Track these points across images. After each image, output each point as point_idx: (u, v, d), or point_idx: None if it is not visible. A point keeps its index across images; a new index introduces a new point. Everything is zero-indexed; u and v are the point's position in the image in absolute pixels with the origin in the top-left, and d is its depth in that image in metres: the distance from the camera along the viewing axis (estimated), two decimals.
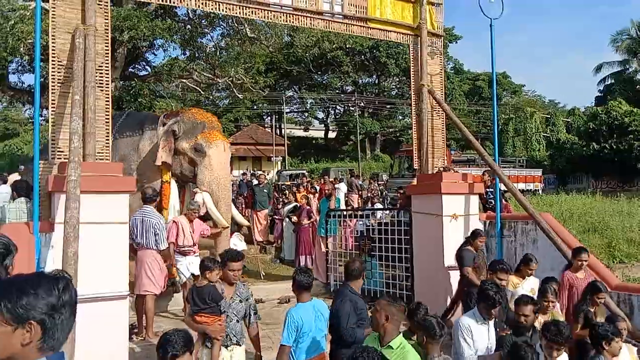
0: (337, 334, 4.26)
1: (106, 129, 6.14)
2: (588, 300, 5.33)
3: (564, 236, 7.18)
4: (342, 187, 15.90)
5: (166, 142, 8.19)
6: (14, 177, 11.34)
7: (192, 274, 7.48)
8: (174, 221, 7.62)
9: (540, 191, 26.50)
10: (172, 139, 8.23)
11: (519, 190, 8.87)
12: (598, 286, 5.39)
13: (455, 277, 7.84)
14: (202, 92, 22.16)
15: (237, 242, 9.48)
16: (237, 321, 4.56)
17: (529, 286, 5.99)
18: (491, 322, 4.38)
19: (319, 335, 4.28)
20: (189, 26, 19.80)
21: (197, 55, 21.09)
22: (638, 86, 40.10)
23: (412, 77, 8.84)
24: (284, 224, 12.58)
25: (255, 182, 14.37)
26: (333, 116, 51.02)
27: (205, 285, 4.50)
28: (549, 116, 45.50)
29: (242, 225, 9.56)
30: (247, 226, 10.00)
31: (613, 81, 41.14)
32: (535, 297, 5.79)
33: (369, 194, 16.82)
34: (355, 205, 15.13)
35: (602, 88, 42.38)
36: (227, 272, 4.52)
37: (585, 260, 6.05)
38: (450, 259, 7.74)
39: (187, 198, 8.80)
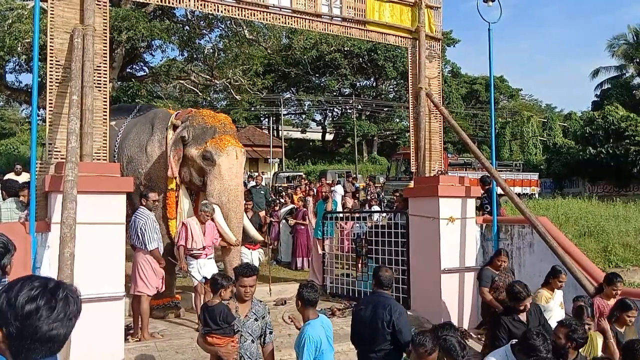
0: (396, 344, 4.14)
1: (104, 130, 6.13)
2: (616, 315, 5.01)
3: (560, 240, 7.20)
4: (339, 190, 15.90)
5: (175, 151, 7.51)
6: (11, 176, 11.32)
7: (205, 277, 7.13)
8: (182, 223, 7.30)
9: (536, 195, 26.59)
10: (181, 146, 7.57)
11: (516, 194, 8.89)
12: (628, 304, 5.02)
13: (452, 280, 7.87)
14: (199, 94, 22.14)
15: (255, 262, 8.70)
16: (252, 341, 4.25)
17: (559, 300, 5.88)
18: None
19: (331, 352, 4.22)
20: (187, 27, 19.80)
21: (195, 56, 21.08)
22: (634, 91, 40.30)
23: (410, 80, 8.86)
24: (281, 225, 12.58)
25: (252, 183, 14.35)
26: (330, 118, 51.07)
27: (217, 304, 4.25)
28: (545, 120, 45.72)
29: (256, 240, 8.71)
30: (261, 242, 9.12)
31: (610, 86, 41.30)
32: (564, 310, 5.69)
33: (367, 196, 16.82)
34: (349, 207, 15.10)
35: (598, 93, 42.54)
36: (239, 288, 4.25)
37: (620, 290, 5.68)
38: (446, 262, 7.76)
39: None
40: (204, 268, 7.20)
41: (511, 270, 6.65)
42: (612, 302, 5.57)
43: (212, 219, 7.42)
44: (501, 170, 24.13)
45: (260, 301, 4.53)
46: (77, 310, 1.63)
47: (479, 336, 7.60)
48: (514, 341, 4.06)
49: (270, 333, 4.40)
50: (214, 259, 7.59)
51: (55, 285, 1.63)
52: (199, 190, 8.04)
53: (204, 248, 7.23)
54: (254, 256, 8.67)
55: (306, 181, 20.83)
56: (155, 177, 7.70)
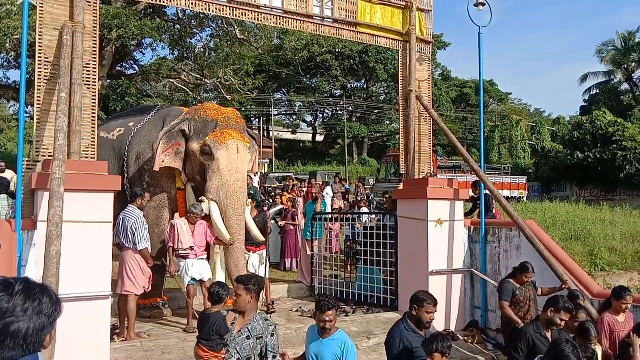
0: None
1: (92, 128, 6.08)
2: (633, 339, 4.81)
3: (546, 243, 7.26)
4: (329, 192, 15.92)
5: (168, 144, 7.22)
6: None
7: (194, 278, 7.08)
8: (170, 224, 7.19)
9: (524, 199, 26.75)
10: (183, 140, 7.36)
11: (504, 197, 8.94)
12: None
13: (440, 281, 7.90)
14: (190, 93, 22.11)
15: (256, 264, 8.24)
16: None
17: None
18: None
19: None
20: (178, 26, 19.78)
21: (185, 55, 21.08)
22: (622, 97, 40.72)
23: (400, 83, 8.89)
24: (270, 226, 12.55)
25: None
26: (321, 120, 51.11)
27: (213, 312, 4.01)
28: (534, 124, 45.99)
29: (258, 240, 8.21)
30: (262, 242, 8.64)
31: (598, 91, 41.71)
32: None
33: (356, 198, 16.85)
34: (337, 208, 15.12)
35: (587, 98, 42.93)
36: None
37: (630, 304, 5.46)
38: (434, 264, 7.79)
39: None
40: (192, 268, 7.10)
41: (533, 283, 6.33)
42: (621, 317, 5.45)
43: (204, 218, 7.25)
44: (490, 174, 24.21)
45: (267, 320, 3.97)
46: (43, 306, 1.62)
47: (465, 338, 7.64)
48: (539, 357, 3.88)
49: (274, 357, 3.84)
50: (206, 259, 7.42)
51: (15, 280, 1.64)
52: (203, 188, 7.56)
53: (191, 249, 7.12)
54: (253, 259, 8.22)
55: (295, 182, 20.76)
56: (159, 174, 7.45)
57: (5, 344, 1.55)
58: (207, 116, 7.40)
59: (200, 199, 7.35)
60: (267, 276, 8.55)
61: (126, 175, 7.69)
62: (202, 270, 7.23)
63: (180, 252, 7.07)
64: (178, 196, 7.70)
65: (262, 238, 8.23)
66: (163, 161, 7.18)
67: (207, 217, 7.29)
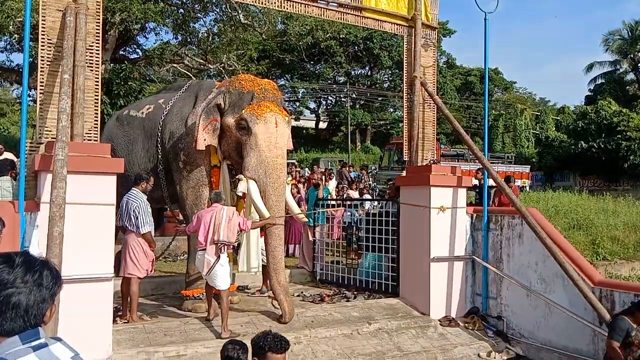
0: None
1: (95, 110, 6.06)
2: None
3: (549, 231, 7.25)
4: (332, 182, 15.84)
5: (207, 120, 6.80)
6: None
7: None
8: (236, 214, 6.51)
9: (527, 187, 26.69)
10: (218, 115, 6.92)
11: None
12: None
13: (441, 268, 7.91)
14: (193, 78, 22.01)
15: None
16: None
17: None
18: None
19: None
20: (181, 10, 19.67)
21: (189, 40, 20.98)
22: (628, 87, 40.46)
23: (405, 69, 8.83)
24: None
25: None
26: (324, 106, 50.91)
27: None
28: (539, 114, 45.83)
29: (301, 221, 7.93)
30: (304, 222, 8.33)
31: (603, 81, 41.44)
32: None
33: (360, 185, 16.82)
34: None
35: (592, 87, 42.69)
36: None
37: None
38: (436, 250, 7.79)
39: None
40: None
41: None
42: None
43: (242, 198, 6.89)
44: (493, 162, 24.15)
45: None
46: (44, 279, 1.62)
47: (466, 325, 7.67)
48: None
49: None
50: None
51: (16, 254, 1.64)
52: (239, 167, 7.04)
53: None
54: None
55: (298, 169, 20.73)
56: (194, 151, 7.00)
57: (7, 315, 1.55)
58: (242, 88, 6.97)
59: (237, 176, 6.95)
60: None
61: (160, 155, 7.41)
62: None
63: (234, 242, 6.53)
64: (213, 174, 7.30)
65: (304, 219, 7.95)
66: (204, 139, 6.80)
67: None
